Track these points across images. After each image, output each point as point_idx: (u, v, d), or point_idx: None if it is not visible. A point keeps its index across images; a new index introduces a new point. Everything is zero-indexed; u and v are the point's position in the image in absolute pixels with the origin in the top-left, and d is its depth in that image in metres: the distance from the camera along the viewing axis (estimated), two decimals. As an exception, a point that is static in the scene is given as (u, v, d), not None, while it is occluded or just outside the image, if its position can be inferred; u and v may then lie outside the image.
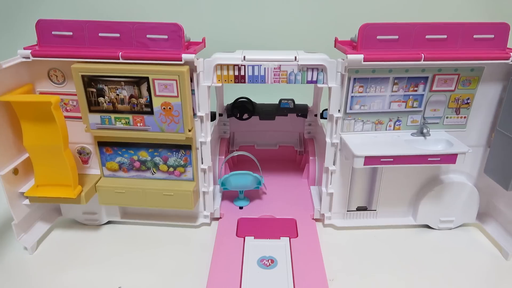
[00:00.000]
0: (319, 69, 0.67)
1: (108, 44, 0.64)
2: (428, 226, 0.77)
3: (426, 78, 0.67)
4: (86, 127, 0.67)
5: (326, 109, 0.71)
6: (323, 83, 0.68)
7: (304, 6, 0.94)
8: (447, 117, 0.70)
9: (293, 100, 0.90)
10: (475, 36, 0.64)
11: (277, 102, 0.91)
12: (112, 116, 0.66)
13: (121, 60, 0.63)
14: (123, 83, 0.63)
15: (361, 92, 0.67)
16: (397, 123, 0.71)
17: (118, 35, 0.64)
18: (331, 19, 0.94)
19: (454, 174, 0.74)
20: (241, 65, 0.67)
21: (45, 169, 0.66)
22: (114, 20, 0.63)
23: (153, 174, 0.73)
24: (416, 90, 0.68)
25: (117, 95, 0.64)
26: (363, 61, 0.63)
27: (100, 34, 0.64)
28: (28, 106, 0.62)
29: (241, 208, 0.80)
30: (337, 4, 0.94)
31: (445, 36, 0.64)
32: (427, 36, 0.64)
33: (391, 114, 0.70)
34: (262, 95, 0.91)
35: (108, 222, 0.78)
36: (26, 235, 0.71)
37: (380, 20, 0.63)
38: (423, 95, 0.68)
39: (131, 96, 0.64)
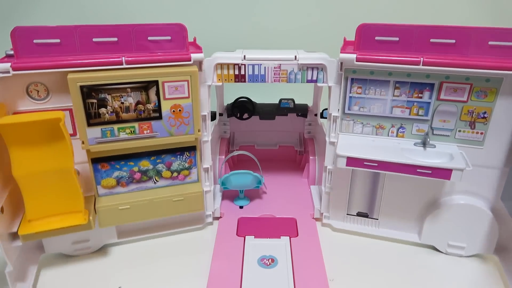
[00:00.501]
0: (319, 68, 0.67)
1: (104, 50, 0.60)
2: (436, 249, 0.70)
3: (432, 85, 0.62)
4: (82, 143, 0.60)
5: (326, 109, 0.71)
6: (323, 82, 0.68)
7: (304, 6, 0.94)
8: (459, 131, 0.64)
9: (293, 100, 0.90)
10: (490, 43, 0.58)
11: (277, 102, 0.91)
12: (115, 126, 0.61)
13: (124, 66, 0.59)
14: (129, 89, 0.60)
15: (359, 93, 0.66)
16: (401, 130, 0.67)
17: (116, 39, 0.60)
18: (332, 19, 0.95)
19: (469, 196, 0.67)
20: (241, 64, 0.67)
21: (41, 200, 0.59)
22: (108, 24, 0.60)
23: (155, 183, 0.69)
24: (421, 97, 0.64)
25: (122, 103, 0.60)
26: (356, 61, 0.62)
27: (94, 40, 0.59)
28: (25, 128, 0.54)
29: (241, 207, 0.80)
30: (338, 3, 0.94)
31: (453, 41, 0.60)
32: (431, 40, 0.61)
33: (394, 119, 0.67)
34: (262, 95, 0.91)
35: (102, 247, 0.70)
36: (22, 283, 0.60)
37: (386, 21, 0.62)
38: (429, 103, 0.64)
39: (137, 103, 0.61)
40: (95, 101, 0.59)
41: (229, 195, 0.83)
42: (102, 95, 0.59)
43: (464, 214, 0.66)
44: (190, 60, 0.62)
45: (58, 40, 0.57)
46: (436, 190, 0.68)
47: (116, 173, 0.66)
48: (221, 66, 0.67)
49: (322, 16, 0.95)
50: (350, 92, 0.66)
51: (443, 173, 0.60)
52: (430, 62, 0.60)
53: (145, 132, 0.63)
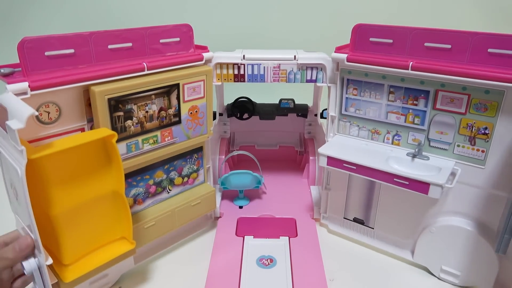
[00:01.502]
0: (319, 68, 0.67)
1: (120, 56, 0.55)
2: (429, 271, 0.64)
3: (427, 92, 0.58)
4: None
5: (326, 109, 0.71)
6: (322, 82, 0.68)
7: (305, 5, 0.94)
8: (458, 145, 0.58)
9: (293, 100, 0.90)
10: (490, 50, 0.52)
11: (277, 102, 0.91)
12: (140, 138, 0.57)
13: (146, 72, 0.56)
14: (153, 96, 0.56)
15: (355, 95, 0.65)
16: (396, 137, 0.64)
17: (130, 44, 0.56)
18: (332, 18, 0.94)
19: (467, 220, 0.60)
20: (241, 64, 0.67)
21: (80, 236, 0.50)
22: (120, 29, 0.55)
23: (168, 192, 0.66)
24: (416, 104, 0.60)
25: (146, 112, 0.57)
26: (346, 61, 0.62)
27: (110, 46, 0.54)
28: (66, 155, 0.46)
29: (240, 207, 0.79)
30: (339, 3, 0.94)
31: (449, 46, 0.55)
32: (425, 44, 0.56)
33: (389, 125, 0.64)
34: (262, 95, 0.91)
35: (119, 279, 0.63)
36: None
37: (390, 22, 0.60)
38: (425, 111, 0.60)
39: (160, 110, 0.58)
40: (121, 113, 0.54)
41: (229, 195, 0.83)
42: (129, 106, 0.54)
43: (458, 239, 0.60)
44: (202, 60, 0.63)
45: (72, 50, 0.50)
46: (431, 207, 0.62)
47: (133, 191, 0.61)
48: (220, 65, 0.67)
49: (323, 16, 0.95)
50: (346, 93, 0.66)
51: (421, 186, 0.55)
52: (420, 67, 0.56)
53: (166, 139, 0.61)
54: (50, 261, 0.45)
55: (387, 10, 0.94)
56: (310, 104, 0.92)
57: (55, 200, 0.46)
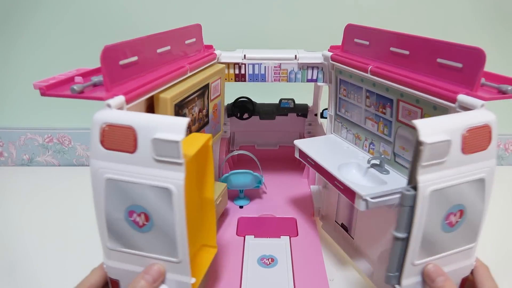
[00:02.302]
0: (319, 67, 0.67)
1: (165, 61, 0.54)
2: None
3: (392, 101, 0.54)
4: None
5: (326, 109, 0.71)
6: (323, 82, 0.68)
7: (305, 5, 0.94)
8: None
9: (293, 100, 0.91)
10: (439, 60, 0.46)
11: (277, 102, 0.91)
12: None
13: (189, 74, 0.55)
14: (196, 98, 0.56)
15: (345, 96, 0.65)
16: (372, 146, 0.60)
17: (169, 47, 0.54)
18: (333, 18, 0.95)
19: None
20: (242, 64, 0.67)
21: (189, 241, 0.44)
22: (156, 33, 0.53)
23: None
24: (384, 113, 0.56)
25: (192, 115, 0.56)
26: (331, 60, 0.63)
27: (158, 51, 0.52)
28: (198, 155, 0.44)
29: (241, 207, 0.79)
30: (340, 3, 0.94)
31: (407, 52, 0.51)
32: (391, 48, 0.53)
33: (367, 132, 0.61)
34: (262, 95, 0.91)
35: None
36: None
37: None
38: (391, 122, 0.55)
39: (199, 111, 0.58)
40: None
41: (229, 195, 0.83)
42: (184, 111, 0.54)
43: None
44: (215, 59, 0.64)
45: (136, 58, 0.47)
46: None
47: None
48: (221, 65, 0.68)
49: (323, 15, 0.95)
50: (339, 93, 0.66)
51: (351, 194, 0.51)
52: (376, 72, 0.53)
53: None
54: (193, 279, 0.42)
55: (391, 11, 0.95)
56: (310, 104, 0.93)
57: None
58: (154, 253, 0.41)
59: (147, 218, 0.39)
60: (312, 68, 0.67)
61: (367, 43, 0.58)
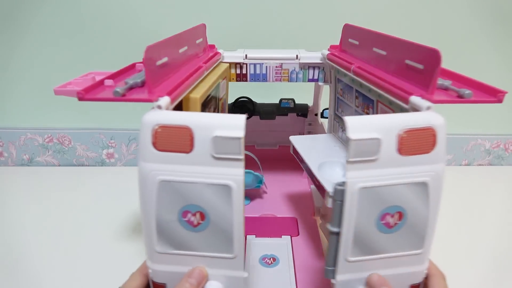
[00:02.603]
0: (320, 67, 0.68)
1: (186, 61, 0.55)
2: None
3: (373, 102, 0.54)
4: None
5: (327, 108, 0.71)
6: (324, 82, 0.68)
7: (306, 5, 0.94)
8: None
9: (293, 100, 0.91)
10: (407, 62, 0.46)
11: (278, 102, 0.91)
12: None
13: (205, 74, 0.55)
14: (212, 97, 0.56)
15: (341, 96, 0.65)
16: None
17: (186, 47, 0.55)
18: (334, 18, 0.95)
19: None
20: (243, 64, 0.67)
21: None
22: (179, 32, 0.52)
23: None
24: (368, 114, 0.56)
25: None
26: (327, 59, 0.63)
27: (180, 51, 0.52)
28: None
29: (242, 207, 0.79)
30: (341, 2, 0.94)
31: (384, 53, 0.51)
32: (373, 49, 0.53)
33: None
34: (262, 95, 0.92)
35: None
36: None
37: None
38: None
39: (214, 110, 0.58)
40: None
41: (230, 195, 0.83)
42: (205, 110, 0.55)
43: None
44: (220, 59, 0.64)
45: (166, 58, 0.47)
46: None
47: None
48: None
49: (324, 15, 0.95)
50: (337, 93, 0.66)
51: (323, 191, 0.51)
52: (356, 71, 0.53)
53: None
54: (246, 273, 0.43)
55: (392, 11, 0.95)
56: (310, 104, 0.93)
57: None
58: (207, 252, 0.41)
59: (202, 217, 0.39)
60: (314, 68, 0.68)
61: (357, 43, 0.59)
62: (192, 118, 0.37)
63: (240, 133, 0.36)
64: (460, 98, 0.40)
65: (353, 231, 0.39)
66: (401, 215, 0.39)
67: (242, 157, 0.37)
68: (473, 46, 0.97)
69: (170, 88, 0.42)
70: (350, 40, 0.61)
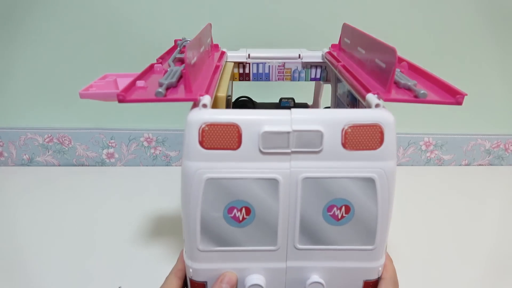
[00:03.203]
0: (322, 66, 0.68)
1: (203, 60, 0.54)
2: None
3: (357, 101, 0.53)
4: None
5: (328, 107, 0.72)
6: (326, 81, 0.69)
7: (307, 5, 0.94)
8: None
9: (293, 99, 0.91)
10: (376, 60, 0.45)
11: (278, 101, 0.91)
12: None
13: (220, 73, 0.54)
14: (227, 95, 0.56)
15: (340, 94, 0.66)
16: None
17: (203, 47, 0.54)
18: (334, 18, 0.95)
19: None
20: (246, 63, 0.67)
21: None
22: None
23: None
24: None
25: None
26: (324, 58, 0.63)
27: (201, 50, 0.52)
28: None
29: (243, 206, 0.79)
30: (342, 3, 0.94)
31: (363, 52, 0.51)
32: (358, 48, 0.54)
33: None
34: (262, 95, 0.92)
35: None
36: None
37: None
38: None
39: (226, 107, 0.58)
40: None
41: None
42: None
43: None
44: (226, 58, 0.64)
45: (195, 58, 0.46)
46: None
47: None
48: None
49: (324, 15, 0.96)
50: (336, 92, 0.67)
51: None
52: (340, 70, 0.53)
53: None
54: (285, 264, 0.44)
55: (393, 11, 0.95)
56: (309, 103, 0.93)
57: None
58: (252, 246, 0.42)
59: (248, 212, 0.40)
60: (316, 67, 0.68)
61: (348, 42, 0.60)
62: (239, 115, 0.38)
63: (288, 127, 0.37)
64: (416, 98, 0.40)
65: (299, 219, 0.41)
66: (348, 209, 0.40)
67: (290, 150, 0.38)
68: (473, 46, 0.97)
69: (204, 87, 0.42)
70: (345, 39, 0.61)
